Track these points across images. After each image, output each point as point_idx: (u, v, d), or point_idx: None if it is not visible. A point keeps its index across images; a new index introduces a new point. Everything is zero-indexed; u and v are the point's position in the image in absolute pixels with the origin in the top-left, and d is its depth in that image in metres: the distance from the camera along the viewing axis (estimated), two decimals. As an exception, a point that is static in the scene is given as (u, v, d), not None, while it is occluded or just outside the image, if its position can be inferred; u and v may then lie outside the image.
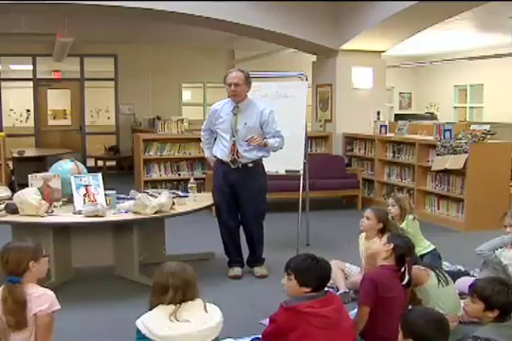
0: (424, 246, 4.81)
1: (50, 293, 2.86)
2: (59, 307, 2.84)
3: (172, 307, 2.70)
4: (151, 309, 2.75)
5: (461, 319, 3.57)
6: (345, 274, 4.41)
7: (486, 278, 3.32)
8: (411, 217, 4.80)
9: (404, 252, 3.37)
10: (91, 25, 9.83)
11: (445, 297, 3.53)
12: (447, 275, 3.68)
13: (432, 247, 4.84)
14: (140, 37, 11.41)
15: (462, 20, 9.00)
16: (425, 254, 4.73)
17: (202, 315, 2.74)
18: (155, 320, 2.68)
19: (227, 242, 5.06)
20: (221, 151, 4.87)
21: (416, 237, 4.83)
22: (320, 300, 2.96)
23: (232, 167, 4.81)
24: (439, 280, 3.55)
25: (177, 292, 2.72)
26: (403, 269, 3.32)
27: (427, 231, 5.05)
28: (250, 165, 4.81)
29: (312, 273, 3.02)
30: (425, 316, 2.64)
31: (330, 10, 8.16)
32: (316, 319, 2.87)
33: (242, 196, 4.86)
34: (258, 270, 5.00)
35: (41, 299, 2.79)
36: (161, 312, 2.70)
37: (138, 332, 2.68)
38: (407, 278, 3.32)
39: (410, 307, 3.48)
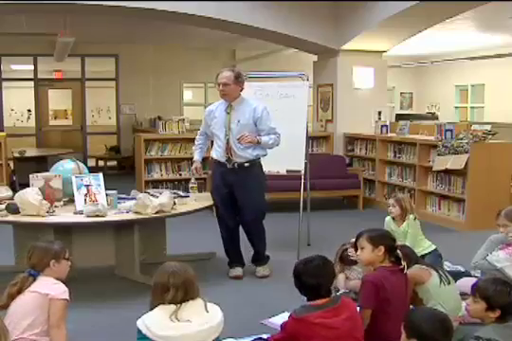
0: (424, 246, 4.81)
1: (64, 286, 3.07)
2: (68, 298, 3.02)
3: (172, 307, 2.70)
4: (151, 309, 2.75)
5: (462, 320, 3.57)
6: (345, 274, 4.40)
7: (489, 277, 3.32)
8: (412, 217, 4.80)
9: (392, 243, 3.36)
10: (92, 25, 9.84)
11: (446, 297, 3.52)
12: (448, 274, 3.68)
13: (433, 247, 4.84)
14: (141, 37, 11.42)
15: (463, 20, 9.00)
16: (426, 254, 4.73)
17: (203, 315, 2.74)
18: (155, 320, 2.68)
19: (226, 242, 5.06)
20: (216, 151, 4.87)
21: (417, 237, 4.84)
22: (331, 309, 2.90)
23: (229, 167, 4.79)
24: (441, 280, 3.55)
25: (178, 291, 2.72)
26: (402, 263, 3.31)
27: (427, 231, 5.06)
28: (246, 165, 4.79)
29: (295, 277, 3.03)
30: (428, 316, 2.63)
31: (331, 11, 8.16)
32: (326, 330, 2.83)
33: (240, 196, 4.84)
34: (260, 270, 4.99)
35: (55, 287, 3.01)
36: (162, 312, 2.70)
37: (139, 331, 2.68)
38: (403, 264, 3.32)
39: (411, 307, 3.49)
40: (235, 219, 4.97)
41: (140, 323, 2.69)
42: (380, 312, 3.16)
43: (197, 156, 5.12)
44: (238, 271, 4.97)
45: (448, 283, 3.58)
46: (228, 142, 4.76)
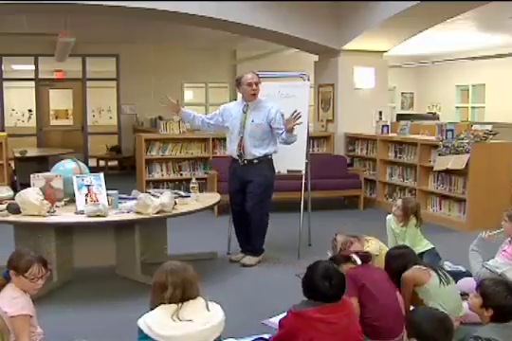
0: (422, 245, 4.80)
1: (24, 299, 2.95)
2: (28, 313, 2.91)
3: (173, 306, 2.69)
4: (152, 309, 2.74)
5: (463, 320, 3.58)
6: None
7: (496, 278, 3.34)
8: (413, 222, 4.78)
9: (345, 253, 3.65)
10: (93, 25, 9.85)
11: (446, 297, 3.52)
12: (448, 274, 3.68)
13: (431, 246, 4.84)
14: (142, 37, 11.42)
15: (464, 20, 9.00)
16: (423, 252, 4.72)
17: (204, 314, 2.74)
18: (157, 320, 2.67)
19: (236, 229, 5.43)
20: (231, 147, 5.27)
21: (416, 237, 4.83)
22: (329, 306, 2.94)
23: (240, 163, 5.18)
24: (440, 280, 3.55)
25: (176, 289, 2.70)
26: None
27: (428, 231, 5.06)
28: (255, 161, 5.14)
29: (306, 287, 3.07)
30: (428, 316, 2.65)
31: (332, 11, 8.16)
32: (324, 325, 2.86)
33: (247, 189, 5.17)
34: (246, 259, 5.25)
35: (13, 302, 2.88)
36: (163, 311, 2.69)
37: (140, 331, 2.68)
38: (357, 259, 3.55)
39: (412, 307, 3.49)
40: (242, 206, 5.25)
41: (141, 322, 2.68)
42: (365, 298, 3.35)
43: (187, 113, 5.35)
44: (237, 255, 5.35)
45: (448, 283, 3.58)
46: (241, 140, 5.12)
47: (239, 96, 5.70)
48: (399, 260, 3.64)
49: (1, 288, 2.94)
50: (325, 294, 2.95)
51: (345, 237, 4.32)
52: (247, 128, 5.09)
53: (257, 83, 5.12)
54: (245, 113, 5.14)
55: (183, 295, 2.72)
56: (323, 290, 2.94)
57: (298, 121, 4.91)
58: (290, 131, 4.95)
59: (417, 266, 3.61)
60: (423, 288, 3.54)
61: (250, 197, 5.15)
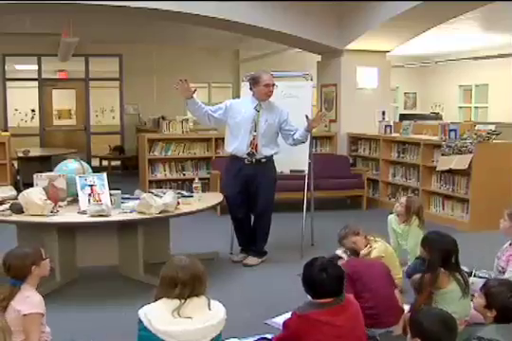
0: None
1: (37, 298, 3.01)
2: (39, 311, 2.96)
3: (176, 302, 2.69)
4: (155, 300, 2.74)
5: (467, 323, 3.56)
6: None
7: (503, 279, 3.33)
8: (415, 223, 4.76)
9: None
10: (96, 25, 9.85)
11: (459, 307, 3.48)
12: (470, 286, 3.63)
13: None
14: (145, 37, 11.42)
15: (467, 20, 8.99)
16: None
17: (205, 313, 2.73)
18: (157, 313, 2.67)
19: (236, 229, 5.40)
20: (237, 145, 5.12)
21: (419, 237, 4.81)
22: (335, 308, 2.93)
23: (247, 162, 5.11)
24: (463, 294, 3.51)
25: (185, 287, 2.70)
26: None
27: (431, 231, 5.03)
28: (263, 160, 5.13)
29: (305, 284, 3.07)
30: (433, 316, 2.64)
31: (335, 10, 8.15)
32: (329, 328, 2.85)
33: (253, 189, 5.14)
34: (248, 259, 5.26)
35: (24, 301, 2.93)
36: (165, 306, 2.69)
37: (141, 321, 2.68)
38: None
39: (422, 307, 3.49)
40: (244, 210, 5.25)
41: (142, 314, 2.69)
42: (361, 286, 3.52)
43: (194, 101, 5.08)
44: (239, 256, 5.35)
45: (467, 296, 3.54)
46: (254, 138, 5.08)
47: (242, 94, 5.69)
48: (443, 245, 3.63)
49: (14, 295, 2.96)
50: (323, 286, 2.95)
51: (358, 227, 4.35)
52: (261, 127, 5.09)
53: (273, 85, 5.17)
54: (258, 111, 5.12)
55: (191, 292, 2.72)
56: (321, 282, 2.94)
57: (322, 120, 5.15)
58: (311, 130, 5.18)
59: (442, 270, 3.58)
60: (440, 292, 3.52)
61: (264, 198, 5.16)
